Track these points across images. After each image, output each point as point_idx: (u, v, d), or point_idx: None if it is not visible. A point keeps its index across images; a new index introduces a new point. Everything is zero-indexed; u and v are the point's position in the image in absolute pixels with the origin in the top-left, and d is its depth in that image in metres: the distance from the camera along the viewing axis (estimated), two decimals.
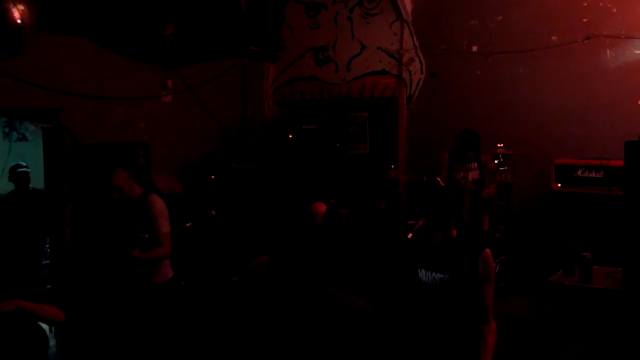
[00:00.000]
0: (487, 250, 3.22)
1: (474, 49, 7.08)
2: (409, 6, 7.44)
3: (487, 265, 3.20)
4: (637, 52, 6.18)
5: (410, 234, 3.39)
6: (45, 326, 5.49)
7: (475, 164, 6.24)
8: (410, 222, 5.27)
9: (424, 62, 7.50)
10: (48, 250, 6.34)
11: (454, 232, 3.32)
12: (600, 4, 6.33)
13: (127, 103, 6.32)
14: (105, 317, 4.59)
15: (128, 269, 4.42)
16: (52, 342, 5.52)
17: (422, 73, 7.53)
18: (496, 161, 6.03)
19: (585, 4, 6.40)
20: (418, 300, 3.31)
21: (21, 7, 4.59)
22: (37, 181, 6.55)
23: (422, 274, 3.31)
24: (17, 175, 6.67)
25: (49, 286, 6.18)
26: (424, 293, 3.28)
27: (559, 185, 6.01)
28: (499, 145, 6.04)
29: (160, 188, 6.19)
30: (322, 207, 4.23)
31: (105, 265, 4.65)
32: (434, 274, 3.26)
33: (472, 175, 6.22)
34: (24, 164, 6.80)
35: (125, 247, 4.36)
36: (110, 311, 4.55)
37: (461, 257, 3.23)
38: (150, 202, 4.49)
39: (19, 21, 4.61)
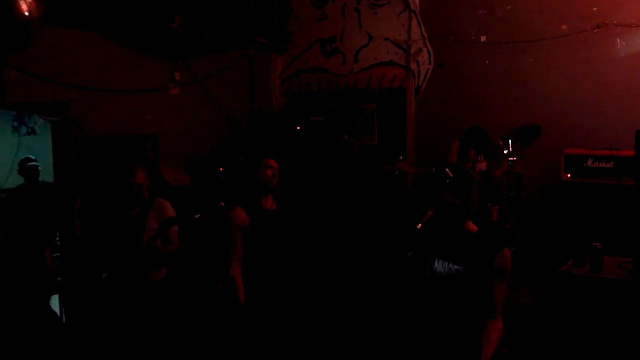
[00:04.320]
0: (507, 250, 3.21)
1: (483, 39, 7.03)
2: None
3: (504, 264, 3.19)
4: None
5: (420, 225, 3.38)
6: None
7: (482, 155, 6.22)
8: (418, 214, 5.27)
9: (432, 52, 7.46)
10: (58, 243, 6.37)
11: (475, 227, 3.31)
12: None
13: (135, 96, 6.33)
14: (110, 312, 4.62)
15: (133, 264, 4.51)
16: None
17: (430, 64, 7.49)
18: (505, 151, 5.99)
19: None
20: (431, 290, 3.30)
21: None
22: (47, 174, 6.57)
23: (439, 264, 3.30)
24: (27, 169, 6.70)
25: (59, 279, 6.21)
26: (438, 283, 3.28)
27: (569, 175, 5.98)
28: (508, 135, 6.00)
29: (169, 180, 6.23)
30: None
31: (111, 259, 4.71)
32: (450, 264, 3.25)
33: (480, 166, 6.19)
34: (34, 158, 6.83)
35: (139, 240, 4.48)
36: (115, 306, 4.59)
37: (479, 251, 3.22)
38: (163, 205, 4.75)
39: (26, 14, 4.63)
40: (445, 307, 3.24)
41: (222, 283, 4.64)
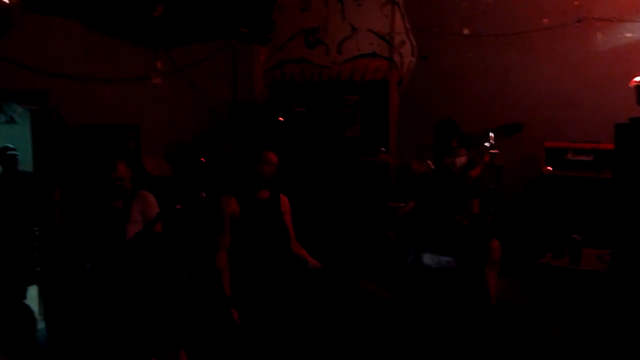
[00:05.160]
0: (496, 240, 3.28)
1: (466, 31, 7.05)
2: None
3: (495, 254, 3.27)
4: (628, 35, 6.17)
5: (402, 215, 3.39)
6: (34, 308, 5.51)
7: (463, 149, 6.24)
8: (400, 205, 5.29)
9: (415, 44, 7.46)
10: (37, 232, 6.31)
11: (465, 221, 3.35)
12: None
13: (115, 85, 6.26)
14: (94, 303, 4.60)
15: (117, 257, 4.50)
16: (40, 325, 5.53)
17: (413, 56, 7.50)
18: (486, 144, 6.02)
19: None
20: (422, 282, 3.33)
21: None
22: (26, 164, 6.50)
23: (427, 257, 3.32)
24: (6, 158, 6.63)
25: (38, 269, 6.16)
26: (430, 276, 3.30)
27: (549, 168, 6.02)
28: (489, 127, 6.03)
29: (150, 170, 6.19)
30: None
31: (95, 252, 4.68)
32: (440, 257, 3.28)
33: (460, 160, 6.22)
34: (12, 147, 6.75)
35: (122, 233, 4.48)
36: (99, 297, 4.56)
37: (471, 243, 3.26)
38: (146, 197, 4.78)
39: (6, 0, 4.56)
40: (440, 299, 3.26)
41: (186, 274, 4.60)
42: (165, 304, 4.42)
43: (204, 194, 4.33)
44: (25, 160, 6.50)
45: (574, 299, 4.34)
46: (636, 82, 4.65)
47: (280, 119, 7.33)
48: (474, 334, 3.23)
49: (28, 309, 5.40)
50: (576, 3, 6.37)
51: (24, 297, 6.17)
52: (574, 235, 4.55)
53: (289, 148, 7.00)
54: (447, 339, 3.25)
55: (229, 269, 4.33)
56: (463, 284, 3.26)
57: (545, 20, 6.54)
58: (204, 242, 4.62)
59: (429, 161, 6.08)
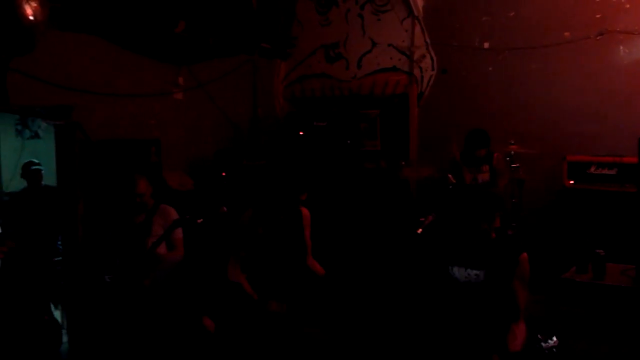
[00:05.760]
0: (525, 254, 3.26)
1: (486, 45, 7.04)
2: (420, 2, 7.42)
3: (525, 268, 3.25)
4: None
5: (420, 229, 3.37)
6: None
7: (487, 166, 6.19)
8: (421, 219, 5.27)
9: (435, 58, 7.46)
10: (60, 247, 6.38)
11: (493, 234, 3.32)
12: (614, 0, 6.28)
13: (138, 100, 6.34)
14: (113, 316, 4.62)
15: (136, 269, 4.52)
16: (64, 339, 5.56)
17: (433, 70, 7.50)
18: (508, 158, 5.99)
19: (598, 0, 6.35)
20: (449, 296, 3.30)
21: (34, 3, 4.62)
22: (50, 178, 6.58)
23: (455, 270, 3.30)
24: (30, 173, 6.72)
25: (62, 282, 6.21)
26: (456, 289, 3.28)
27: (572, 182, 5.97)
28: (510, 142, 6.01)
29: (172, 185, 6.23)
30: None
31: (115, 265, 4.72)
32: (468, 270, 3.26)
33: (482, 177, 6.17)
34: (37, 162, 6.85)
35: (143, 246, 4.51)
36: (118, 310, 4.59)
37: (499, 256, 3.24)
38: (168, 211, 4.80)
39: (31, 18, 4.64)
40: (467, 312, 3.24)
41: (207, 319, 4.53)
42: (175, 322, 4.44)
43: (225, 209, 4.35)
44: (49, 175, 6.59)
45: (598, 314, 4.28)
46: None
47: (301, 133, 7.36)
48: (501, 348, 3.18)
49: (55, 322, 5.44)
50: (598, 16, 6.33)
51: (49, 310, 6.23)
52: (597, 250, 4.50)
53: (310, 162, 7.03)
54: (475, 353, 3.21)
55: (245, 278, 4.33)
56: (492, 297, 3.22)
57: (567, 34, 6.51)
58: (222, 256, 4.62)
59: (449, 175, 6.05)
